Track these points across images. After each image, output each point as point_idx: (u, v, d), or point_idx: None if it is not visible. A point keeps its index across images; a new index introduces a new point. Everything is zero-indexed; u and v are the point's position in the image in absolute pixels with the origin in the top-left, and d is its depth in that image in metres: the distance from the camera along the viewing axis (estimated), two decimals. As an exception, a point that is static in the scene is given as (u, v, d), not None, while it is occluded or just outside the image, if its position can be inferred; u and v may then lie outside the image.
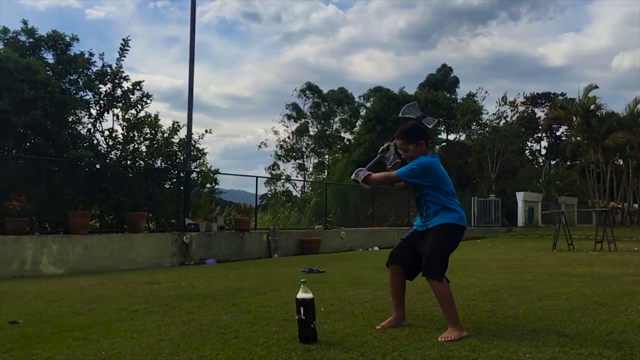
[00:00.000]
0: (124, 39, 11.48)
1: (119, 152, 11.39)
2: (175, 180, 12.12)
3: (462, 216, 3.58)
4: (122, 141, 11.37)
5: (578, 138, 27.71)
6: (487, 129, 30.20)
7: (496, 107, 32.49)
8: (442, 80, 37.20)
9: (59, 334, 3.68)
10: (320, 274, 7.11)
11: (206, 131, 12.69)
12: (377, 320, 3.81)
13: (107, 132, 11.31)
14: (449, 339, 3.22)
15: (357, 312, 4.19)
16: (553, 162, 37.17)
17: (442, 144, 33.40)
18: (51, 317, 4.32)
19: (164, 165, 11.86)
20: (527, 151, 37.82)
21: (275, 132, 40.18)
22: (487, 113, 31.19)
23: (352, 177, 3.77)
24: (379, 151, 3.84)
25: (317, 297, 3.55)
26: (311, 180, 36.39)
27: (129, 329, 3.79)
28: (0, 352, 3.23)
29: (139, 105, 11.54)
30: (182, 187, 11.85)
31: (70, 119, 10.71)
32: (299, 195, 28.50)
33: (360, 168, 3.77)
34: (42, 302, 5.08)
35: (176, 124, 12.04)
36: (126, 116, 11.38)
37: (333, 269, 7.51)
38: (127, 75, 11.43)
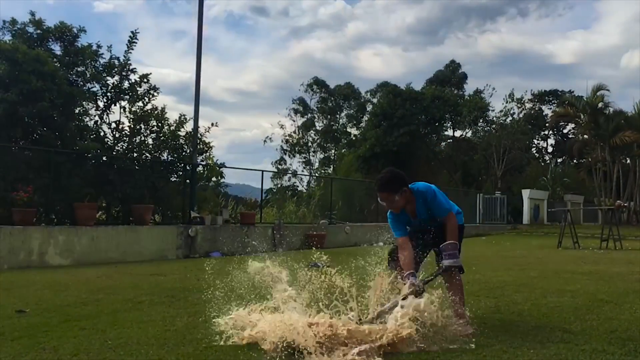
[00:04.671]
0: (132, 32, 11.52)
1: (125, 145, 11.43)
2: (181, 173, 12.14)
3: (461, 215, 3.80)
4: (128, 134, 11.40)
5: (585, 136, 27.55)
6: (494, 125, 30.10)
7: (503, 104, 32.36)
8: (449, 77, 37.01)
9: (66, 323, 3.71)
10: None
11: (212, 124, 12.68)
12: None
13: (113, 125, 11.35)
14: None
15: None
16: (560, 160, 37.00)
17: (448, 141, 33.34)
18: (58, 306, 4.35)
19: (170, 158, 11.88)
20: (533, 149, 37.64)
21: (282, 127, 40.12)
22: (494, 110, 31.10)
23: (459, 264, 3.51)
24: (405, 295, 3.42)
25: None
26: (317, 175, 36.38)
27: (135, 319, 3.82)
28: (8, 341, 3.26)
29: (146, 98, 11.56)
30: (188, 180, 11.87)
31: (77, 111, 10.75)
32: (304, 190, 28.51)
33: (451, 261, 3.47)
34: (49, 292, 5.12)
35: (183, 117, 12.05)
36: (133, 109, 11.41)
37: (338, 265, 7.50)
38: (135, 68, 11.47)
